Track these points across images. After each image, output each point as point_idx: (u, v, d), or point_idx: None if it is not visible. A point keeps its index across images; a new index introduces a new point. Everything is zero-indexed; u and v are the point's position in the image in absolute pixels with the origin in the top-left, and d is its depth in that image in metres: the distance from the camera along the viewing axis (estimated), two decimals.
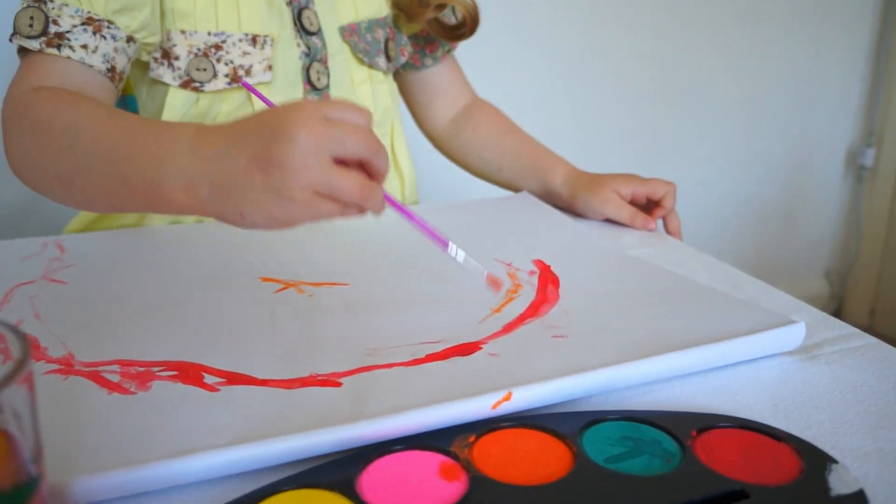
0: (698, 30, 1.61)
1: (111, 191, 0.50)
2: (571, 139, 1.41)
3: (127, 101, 0.84)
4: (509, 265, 0.58)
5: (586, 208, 0.74)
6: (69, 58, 0.59)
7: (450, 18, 0.79)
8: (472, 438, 0.36)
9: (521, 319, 0.49)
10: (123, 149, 0.48)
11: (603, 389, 0.41)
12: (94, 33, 0.59)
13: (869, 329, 1.94)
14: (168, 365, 0.43)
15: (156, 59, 0.66)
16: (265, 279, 0.55)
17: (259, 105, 0.68)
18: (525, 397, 0.38)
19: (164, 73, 0.66)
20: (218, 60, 0.66)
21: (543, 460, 0.35)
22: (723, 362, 0.44)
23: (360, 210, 0.43)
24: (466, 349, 0.45)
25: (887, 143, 1.82)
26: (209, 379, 0.41)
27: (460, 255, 0.48)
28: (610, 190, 0.73)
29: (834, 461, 0.35)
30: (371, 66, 0.76)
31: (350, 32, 0.73)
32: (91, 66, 0.60)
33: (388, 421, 0.36)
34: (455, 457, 0.35)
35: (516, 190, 0.83)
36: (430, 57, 0.84)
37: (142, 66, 0.69)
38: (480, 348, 0.45)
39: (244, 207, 0.42)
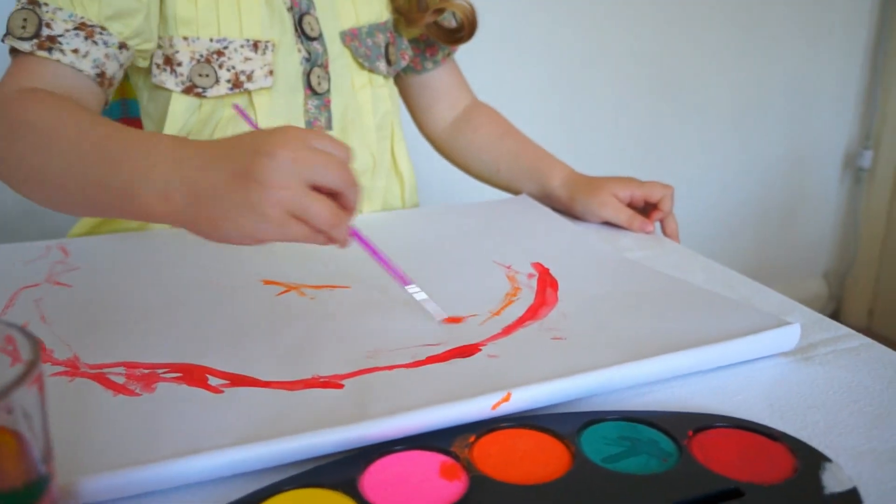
0: (696, 33, 1.61)
1: (88, 194, 0.51)
2: (570, 141, 1.42)
3: (129, 105, 0.84)
4: (508, 268, 0.59)
5: (584, 211, 0.75)
6: (59, 61, 0.59)
7: (449, 22, 0.80)
8: (472, 438, 0.37)
9: (520, 322, 0.49)
10: (103, 152, 0.49)
11: (601, 390, 0.42)
12: (86, 38, 0.60)
13: (867, 330, 1.95)
14: (172, 367, 0.43)
15: (158, 66, 0.67)
16: (267, 282, 0.56)
17: (259, 112, 0.69)
18: (524, 398, 0.39)
19: (167, 80, 0.67)
20: (220, 66, 0.67)
21: (542, 460, 0.36)
22: (719, 363, 0.45)
23: (327, 238, 0.45)
24: (466, 351, 0.45)
25: (885, 144, 1.83)
26: (213, 380, 0.42)
27: (420, 296, 0.50)
28: (608, 193, 0.73)
29: (828, 460, 0.35)
30: (372, 70, 0.76)
31: (351, 37, 0.74)
32: (81, 71, 0.60)
33: (390, 421, 0.36)
34: (455, 457, 0.35)
35: (515, 192, 0.83)
36: (430, 60, 0.85)
37: (143, 72, 0.69)
38: (480, 350, 0.45)
39: (219, 220, 0.43)
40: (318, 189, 0.43)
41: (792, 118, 1.78)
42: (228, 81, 0.67)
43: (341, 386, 0.41)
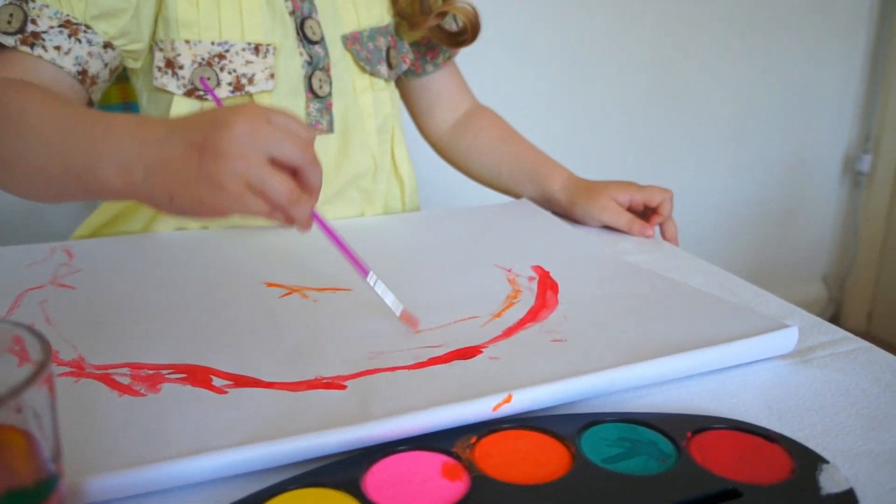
0: (696, 36, 1.62)
1: (50, 174, 0.51)
2: (570, 144, 1.42)
3: (131, 109, 0.85)
4: (509, 271, 0.59)
5: (584, 215, 0.75)
6: (41, 57, 0.60)
7: (451, 25, 0.80)
8: (473, 439, 0.37)
9: (520, 324, 0.50)
10: (64, 132, 0.50)
11: (601, 392, 0.42)
12: (70, 36, 0.60)
13: (866, 333, 1.95)
14: (177, 368, 0.44)
15: (160, 69, 0.67)
16: (270, 284, 0.56)
17: None
18: (525, 399, 0.39)
19: (169, 83, 0.67)
20: (221, 69, 0.67)
21: (543, 460, 0.36)
22: (718, 366, 0.45)
23: (287, 217, 0.44)
24: (468, 353, 0.45)
25: (884, 148, 1.83)
26: (217, 381, 0.42)
27: (379, 287, 0.50)
28: (607, 197, 0.74)
29: (825, 461, 0.36)
30: (373, 73, 0.77)
31: (352, 41, 0.74)
32: (61, 68, 0.61)
33: (392, 422, 0.37)
34: (457, 457, 0.36)
35: (515, 195, 0.83)
36: (432, 63, 0.85)
37: (143, 74, 0.70)
38: (481, 352, 0.46)
39: (175, 190, 0.44)
40: (278, 165, 0.43)
41: (791, 122, 1.78)
42: (230, 84, 0.67)
43: (344, 387, 0.41)
